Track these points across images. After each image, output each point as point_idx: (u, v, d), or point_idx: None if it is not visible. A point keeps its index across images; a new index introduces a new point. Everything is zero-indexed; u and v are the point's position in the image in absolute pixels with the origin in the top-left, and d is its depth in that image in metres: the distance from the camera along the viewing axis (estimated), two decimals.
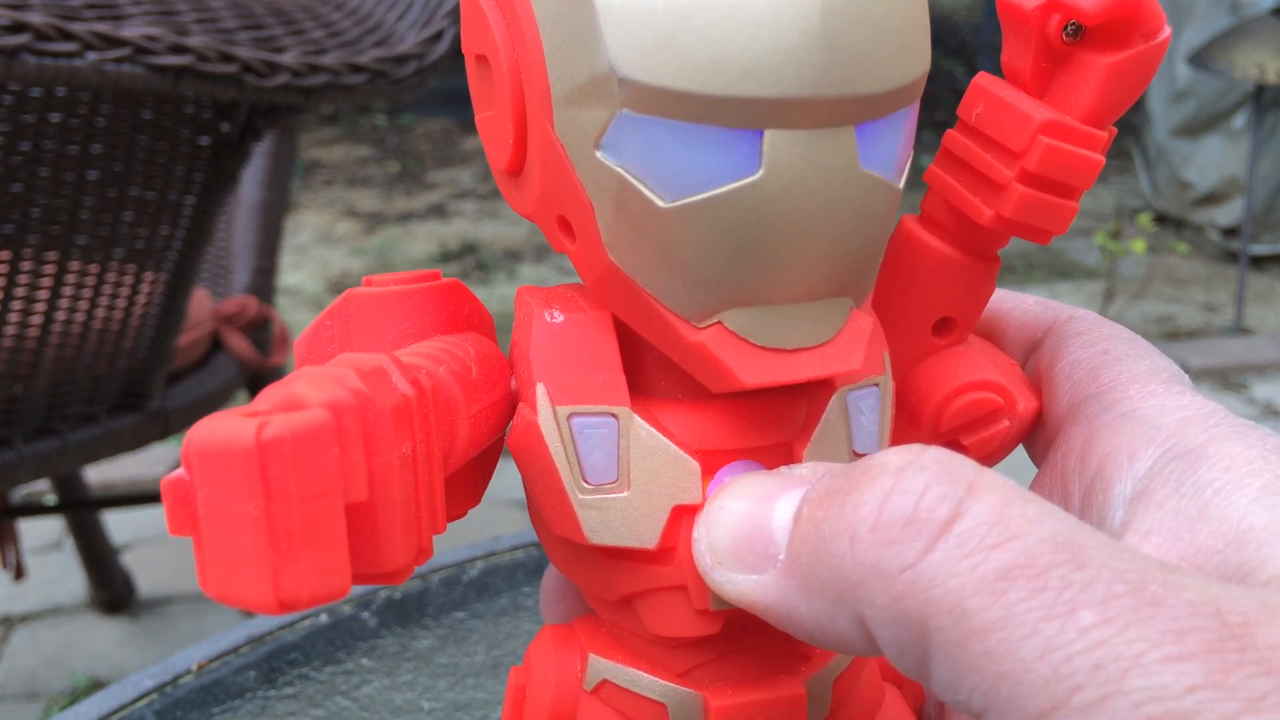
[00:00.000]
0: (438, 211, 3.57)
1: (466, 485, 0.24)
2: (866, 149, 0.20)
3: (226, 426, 0.16)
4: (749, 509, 0.21)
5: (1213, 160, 3.07)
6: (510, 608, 0.50)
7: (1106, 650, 0.16)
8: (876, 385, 0.24)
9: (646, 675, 0.24)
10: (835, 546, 0.19)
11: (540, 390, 0.22)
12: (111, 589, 1.54)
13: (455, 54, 0.86)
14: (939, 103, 3.43)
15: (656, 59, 0.19)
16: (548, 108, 0.20)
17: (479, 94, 0.23)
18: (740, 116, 0.19)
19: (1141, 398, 0.24)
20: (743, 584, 0.21)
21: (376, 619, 0.48)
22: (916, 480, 0.18)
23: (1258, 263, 3.01)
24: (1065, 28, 0.23)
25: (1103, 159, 0.23)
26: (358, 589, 0.49)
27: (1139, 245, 2.31)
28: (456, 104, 4.78)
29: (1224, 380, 2.33)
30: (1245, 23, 2.58)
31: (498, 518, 1.80)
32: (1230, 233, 3.07)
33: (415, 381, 0.19)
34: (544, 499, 0.23)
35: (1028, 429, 0.26)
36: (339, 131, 4.54)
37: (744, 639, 0.24)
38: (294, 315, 2.64)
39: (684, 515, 0.22)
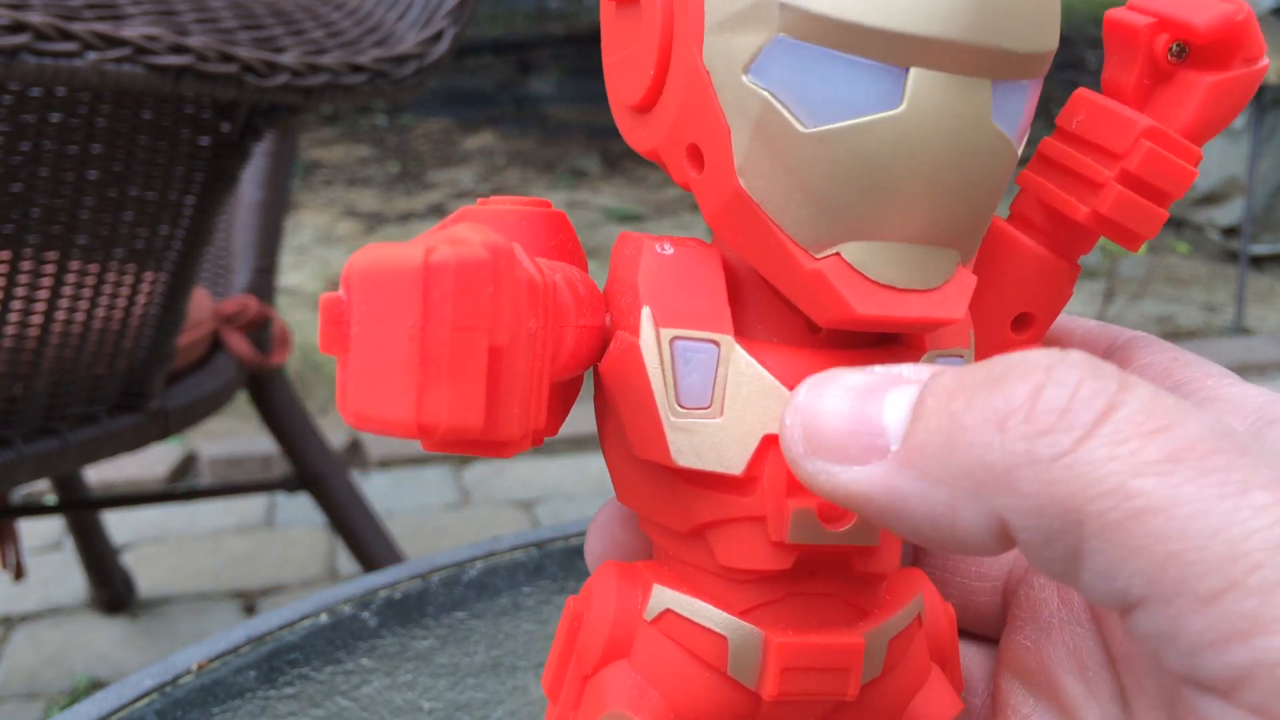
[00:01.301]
0: (438, 211, 3.57)
1: (553, 408, 0.24)
2: (998, 106, 0.21)
3: (393, 250, 0.17)
4: (854, 400, 0.20)
5: (1213, 160, 3.07)
6: (510, 608, 0.50)
7: None
8: (961, 357, 0.25)
9: (710, 607, 0.24)
10: (978, 435, 0.18)
11: (646, 312, 0.23)
12: (111, 589, 1.54)
13: (455, 54, 0.86)
14: None
15: None
16: (699, 36, 0.22)
17: (614, 37, 0.25)
18: (890, 51, 0.20)
19: (1221, 387, 0.24)
20: (841, 475, 0.20)
21: (376, 619, 0.48)
22: (1070, 374, 0.18)
23: (1258, 263, 3.01)
24: (1171, 48, 0.24)
25: (1196, 172, 0.24)
26: (356, 588, 0.49)
27: None
28: (456, 104, 4.78)
29: None
30: None
31: (498, 518, 1.80)
32: (1230, 233, 3.07)
33: (541, 272, 0.20)
34: (632, 421, 0.23)
35: None
36: (339, 131, 4.54)
37: (809, 584, 0.24)
38: (294, 315, 2.64)
39: (773, 445, 0.23)
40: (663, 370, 0.23)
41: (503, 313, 0.17)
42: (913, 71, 0.20)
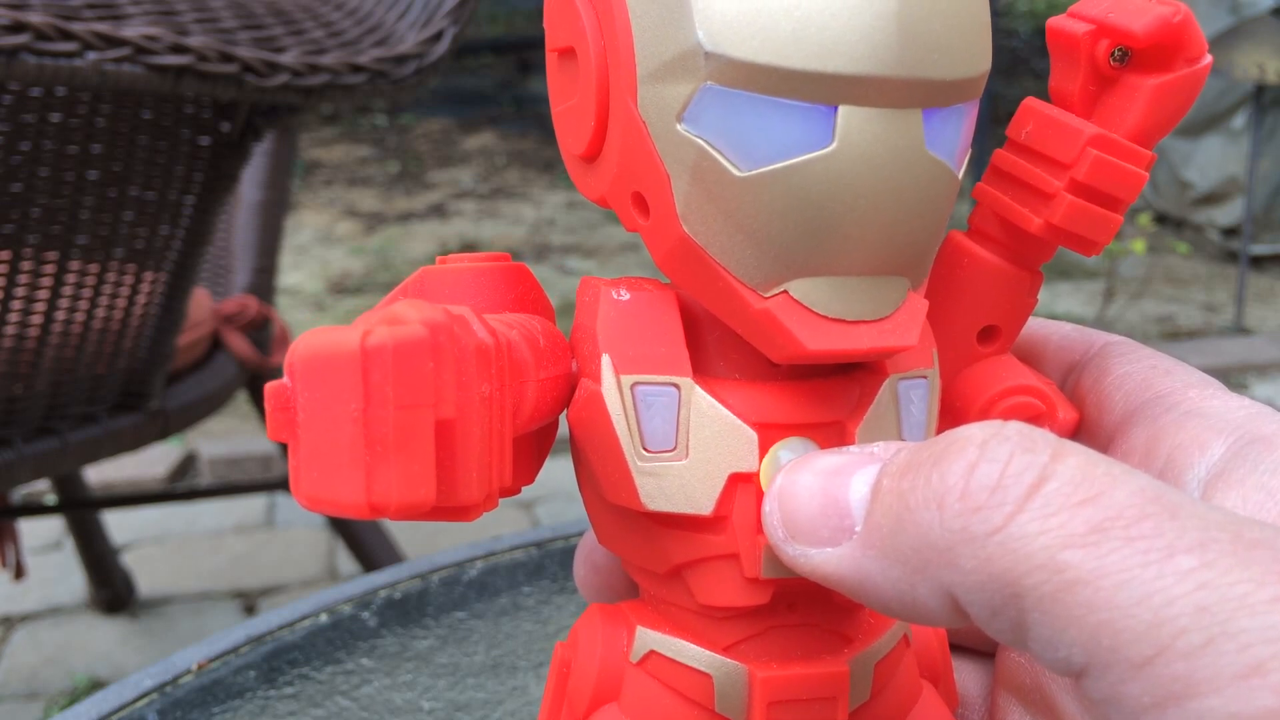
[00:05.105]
0: (438, 211, 3.57)
1: (524, 460, 0.24)
2: (931, 133, 0.21)
3: (332, 336, 0.17)
4: (823, 483, 0.21)
5: (1213, 160, 3.07)
6: (510, 608, 0.50)
7: (1209, 593, 0.16)
8: (925, 378, 0.25)
9: (693, 646, 0.24)
10: (921, 515, 0.19)
11: (605, 360, 0.23)
12: (111, 589, 1.54)
13: (455, 54, 0.86)
14: None
15: (742, 34, 0.20)
16: (632, 87, 0.22)
17: (559, 88, 0.25)
18: (818, 91, 0.20)
19: (1203, 399, 0.25)
20: (816, 557, 0.21)
21: (376, 619, 0.48)
22: (1001, 449, 0.19)
23: (1258, 263, 3.01)
24: (1113, 53, 0.24)
25: (1146, 175, 0.24)
26: (356, 588, 0.49)
27: (1139, 245, 2.31)
28: (456, 104, 4.78)
29: (1224, 380, 2.31)
30: (1245, 23, 2.58)
31: (498, 518, 1.80)
32: (1230, 233, 3.07)
33: (494, 333, 0.20)
34: (602, 468, 0.24)
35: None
36: (339, 131, 4.54)
37: (789, 616, 0.24)
38: (294, 315, 2.64)
39: (740, 483, 0.23)
40: (626, 416, 0.23)
41: (446, 386, 0.17)
42: (841, 109, 0.20)
